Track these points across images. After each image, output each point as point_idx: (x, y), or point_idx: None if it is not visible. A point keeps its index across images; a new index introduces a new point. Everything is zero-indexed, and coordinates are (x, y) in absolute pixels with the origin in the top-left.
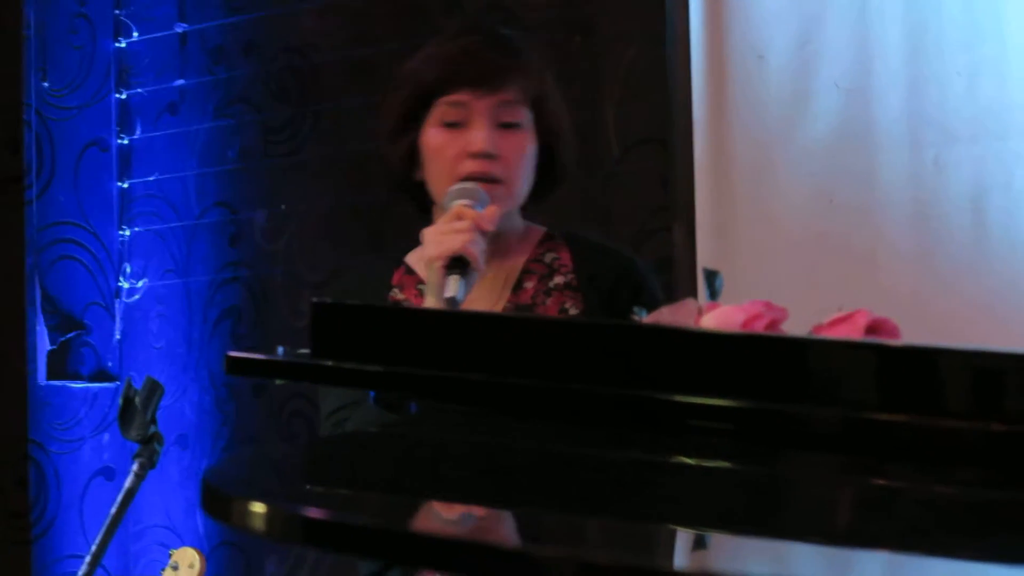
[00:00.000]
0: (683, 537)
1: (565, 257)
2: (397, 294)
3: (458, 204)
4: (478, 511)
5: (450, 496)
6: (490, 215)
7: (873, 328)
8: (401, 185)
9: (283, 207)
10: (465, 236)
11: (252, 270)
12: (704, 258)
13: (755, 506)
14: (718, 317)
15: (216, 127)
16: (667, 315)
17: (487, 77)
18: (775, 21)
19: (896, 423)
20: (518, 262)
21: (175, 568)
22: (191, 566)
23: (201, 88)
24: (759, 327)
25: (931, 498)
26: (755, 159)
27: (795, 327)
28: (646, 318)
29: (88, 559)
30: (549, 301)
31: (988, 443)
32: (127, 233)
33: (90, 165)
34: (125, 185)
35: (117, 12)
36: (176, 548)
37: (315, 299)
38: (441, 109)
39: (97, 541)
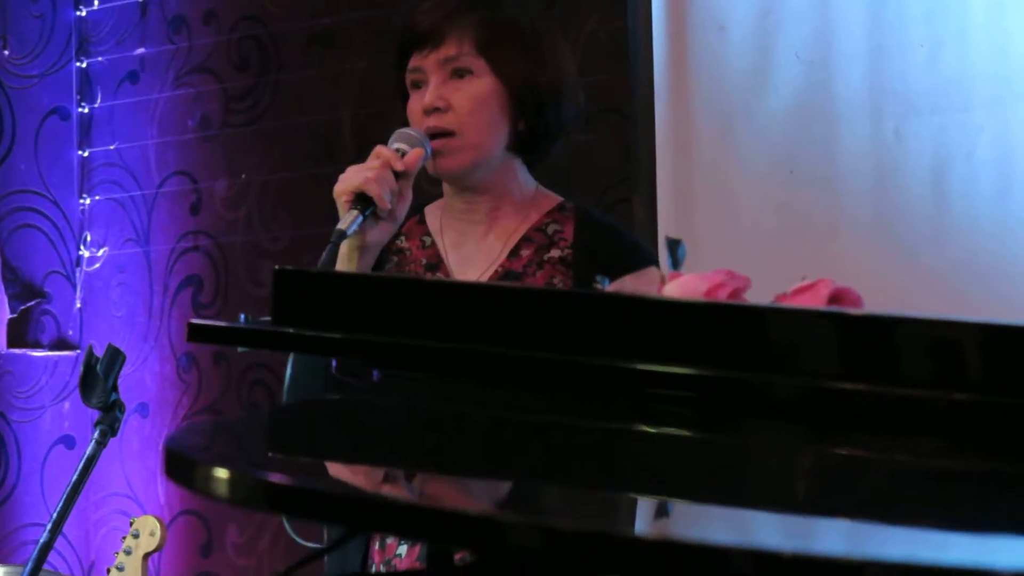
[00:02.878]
0: (644, 504)
1: (568, 231)
2: (403, 242)
3: (381, 147)
4: (439, 478)
5: (412, 463)
6: (410, 157)
7: (836, 297)
8: None
9: (244, 176)
10: (371, 174)
11: (213, 239)
12: (665, 228)
13: (716, 474)
14: (681, 286)
15: (176, 96)
16: (629, 284)
17: (426, 36)
18: None
19: (857, 392)
20: (520, 228)
21: (136, 536)
22: (152, 534)
23: (162, 57)
24: (722, 296)
25: (892, 467)
26: (716, 130)
27: (758, 296)
28: (609, 287)
29: (49, 527)
30: (540, 273)
31: (949, 412)
32: (87, 202)
33: (50, 134)
34: (85, 154)
35: None
36: (137, 516)
37: (277, 266)
38: (408, 75)
39: (58, 509)
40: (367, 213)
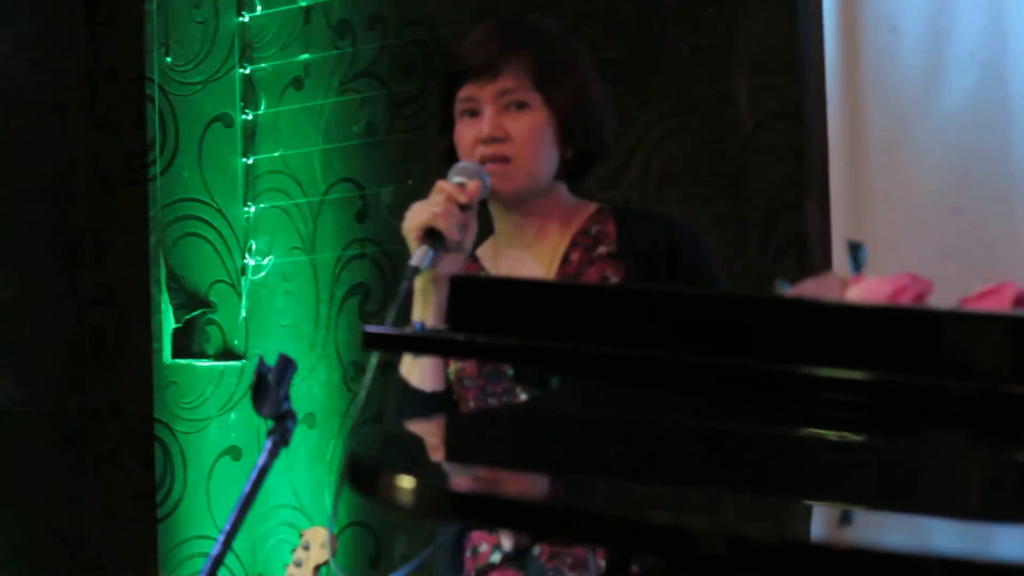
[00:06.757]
0: (822, 511)
1: (610, 228)
2: None
3: (443, 181)
4: (621, 485)
5: (592, 470)
6: (470, 189)
7: (1021, 300)
8: None
9: (410, 183)
10: (437, 208)
11: (380, 247)
12: (839, 231)
13: (893, 480)
14: (864, 290)
15: (341, 102)
16: (811, 288)
17: (485, 68)
18: None
19: None
20: (566, 236)
21: (307, 548)
22: (323, 546)
23: (326, 62)
24: (906, 300)
25: None
26: (889, 131)
27: (937, 300)
28: (789, 291)
29: (221, 539)
30: (591, 271)
31: None
32: (252, 210)
33: (214, 141)
34: (250, 161)
35: None
36: (306, 528)
37: (454, 273)
38: (458, 104)
39: (230, 520)
40: (438, 247)
